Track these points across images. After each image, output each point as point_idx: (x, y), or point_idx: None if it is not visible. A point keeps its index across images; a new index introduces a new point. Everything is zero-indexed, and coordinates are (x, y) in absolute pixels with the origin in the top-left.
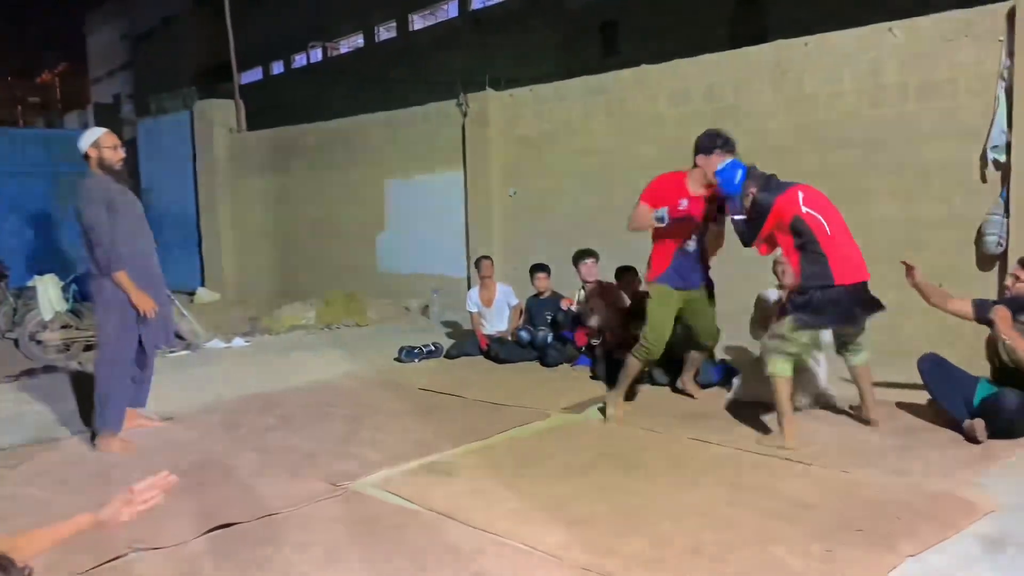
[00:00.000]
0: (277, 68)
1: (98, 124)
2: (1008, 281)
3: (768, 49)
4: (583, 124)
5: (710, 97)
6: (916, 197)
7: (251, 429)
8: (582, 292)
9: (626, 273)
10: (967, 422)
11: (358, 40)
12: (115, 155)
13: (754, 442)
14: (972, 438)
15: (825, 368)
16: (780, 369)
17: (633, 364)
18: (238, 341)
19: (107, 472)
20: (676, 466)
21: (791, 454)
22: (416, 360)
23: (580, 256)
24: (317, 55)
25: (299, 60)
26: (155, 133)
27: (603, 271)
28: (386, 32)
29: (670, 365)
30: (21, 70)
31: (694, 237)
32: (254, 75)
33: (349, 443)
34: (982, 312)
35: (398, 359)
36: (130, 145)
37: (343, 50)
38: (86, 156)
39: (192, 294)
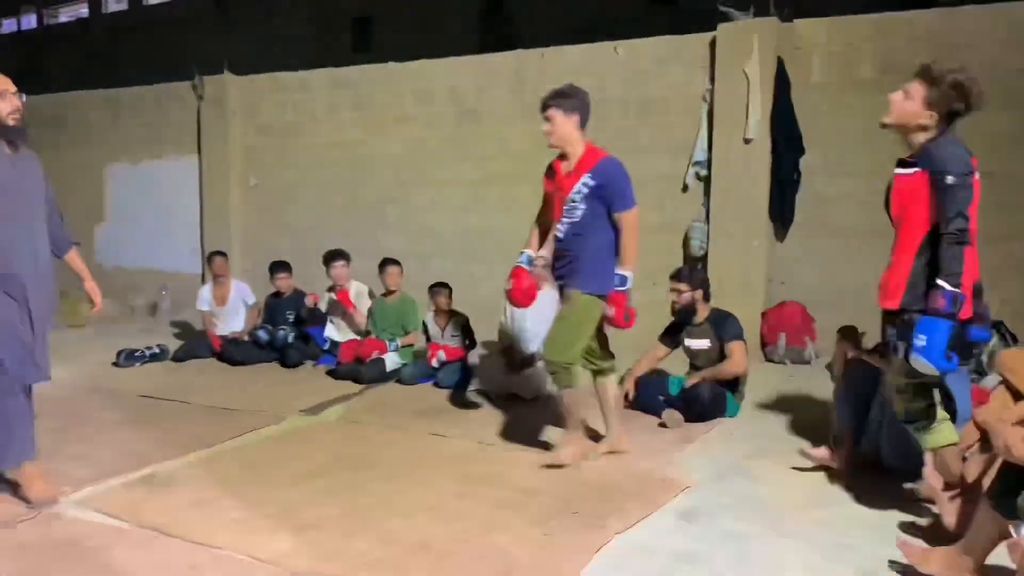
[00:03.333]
0: None
1: None
2: (673, 296)
3: (508, 57)
4: (329, 117)
5: (454, 99)
6: (644, 208)
7: None
8: (332, 295)
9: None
10: (664, 412)
11: (82, 9)
12: (7, 105)
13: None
14: (666, 427)
15: None
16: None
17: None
18: None
19: None
20: (412, 463)
21: (518, 445)
22: (138, 364)
23: (331, 257)
24: (30, 21)
25: (7, 24)
26: None
27: (356, 273)
28: (115, 3)
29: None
30: None
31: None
32: None
33: (51, 459)
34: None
35: (116, 363)
36: None
37: (63, 19)
38: None
39: None
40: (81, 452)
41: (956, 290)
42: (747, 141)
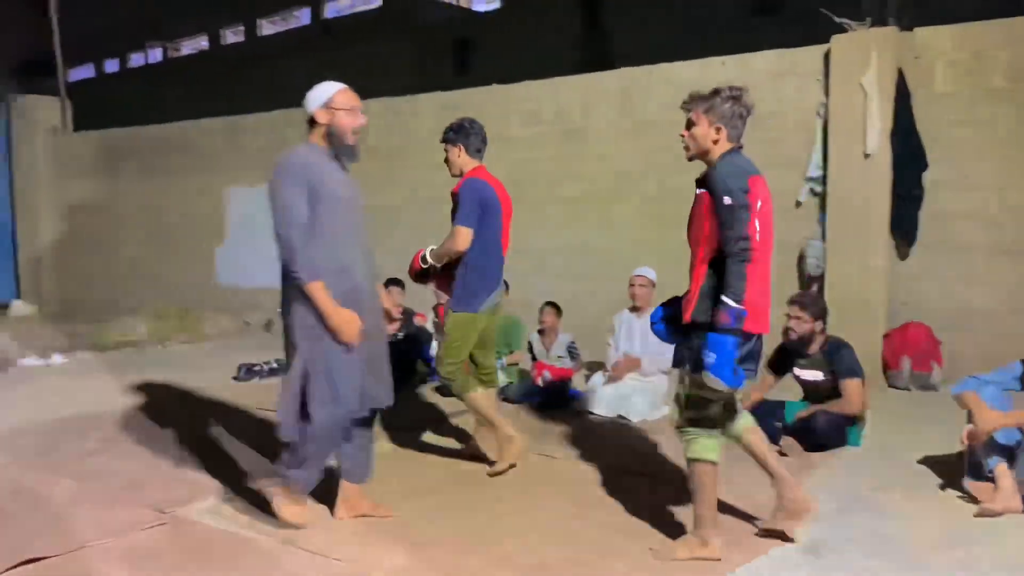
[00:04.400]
0: (111, 66)
1: None
2: (791, 323)
3: (614, 75)
4: (434, 140)
5: (559, 118)
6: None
7: (68, 453)
8: (435, 313)
9: None
10: (783, 440)
11: (202, 42)
12: (353, 121)
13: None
14: (786, 456)
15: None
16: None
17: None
18: (57, 358)
19: None
20: (523, 483)
21: (631, 468)
22: (257, 379)
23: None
24: (156, 55)
25: (136, 59)
26: None
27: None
28: (233, 36)
29: None
30: None
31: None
32: (85, 72)
33: (180, 467)
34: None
35: (236, 377)
36: None
37: (185, 51)
38: (311, 121)
39: (5, 307)
40: (206, 462)
41: (739, 306)
42: (866, 156)
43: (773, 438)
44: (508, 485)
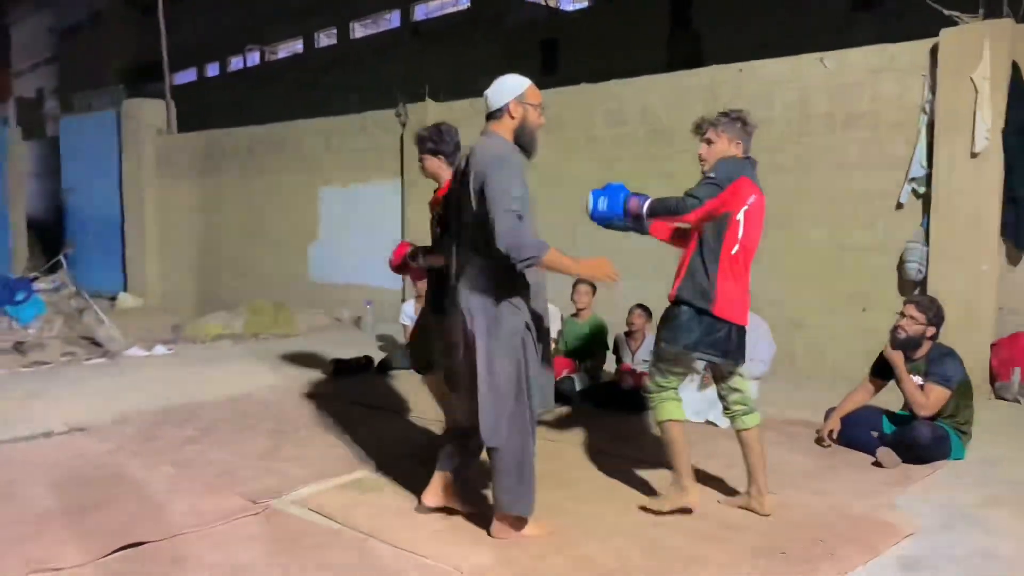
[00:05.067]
0: (212, 70)
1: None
2: (903, 322)
3: (702, 73)
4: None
5: (645, 119)
6: (843, 223)
7: (168, 442)
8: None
9: None
10: (879, 451)
11: (297, 45)
12: (539, 120)
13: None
14: (882, 467)
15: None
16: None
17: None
18: (159, 349)
19: (9, 488)
20: (606, 486)
21: (718, 475)
22: (347, 374)
23: None
24: (254, 58)
25: (235, 63)
26: (79, 131)
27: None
28: (326, 39)
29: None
30: None
31: None
32: (188, 76)
33: (272, 458)
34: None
35: (329, 371)
36: (51, 142)
37: (281, 55)
38: (499, 113)
39: (113, 299)
40: (297, 454)
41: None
42: (974, 155)
43: (869, 448)
44: (591, 488)
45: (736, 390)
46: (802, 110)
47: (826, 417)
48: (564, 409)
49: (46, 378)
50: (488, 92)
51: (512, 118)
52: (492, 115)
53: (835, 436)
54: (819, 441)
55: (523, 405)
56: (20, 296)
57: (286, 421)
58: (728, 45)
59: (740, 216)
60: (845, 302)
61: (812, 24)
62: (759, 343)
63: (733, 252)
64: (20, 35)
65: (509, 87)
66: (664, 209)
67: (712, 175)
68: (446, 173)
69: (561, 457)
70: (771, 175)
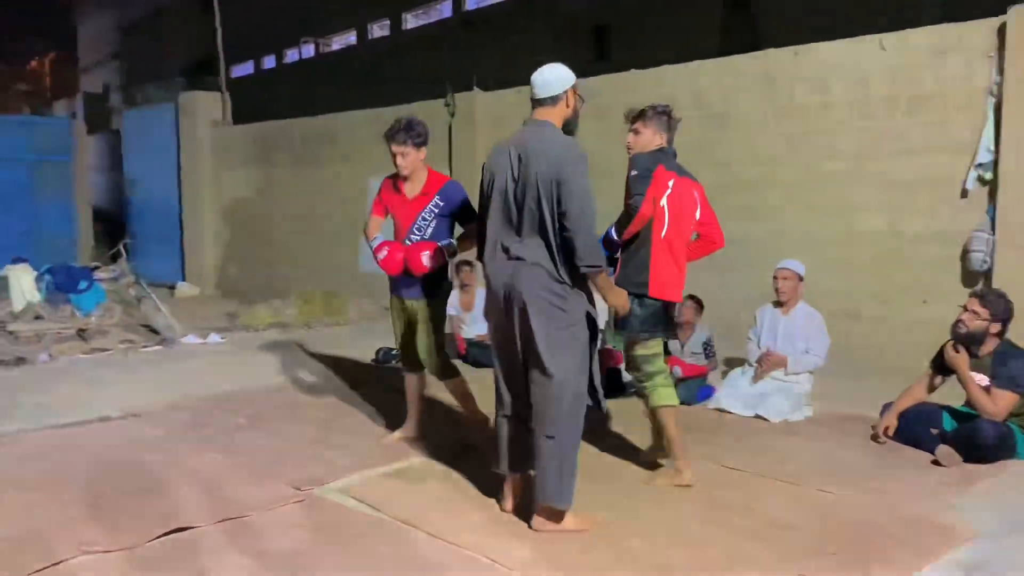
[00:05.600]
0: (269, 62)
1: (87, 114)
2: (965, 316)
3: (757, 58)
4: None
5: (698, 104)
6: (902, 211)
7: (219, 428)
8: None
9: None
10: (939, 449)
11: (350, 37)
12: (577, 113)
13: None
14: (941, 466)
15: None
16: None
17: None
18: (214, 337)
19: (66, 471)
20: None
21: (767, 471)
22: (394, 361)
23: None
24: (309, 51)
25: (291, 55)
26: (140, 124)
27: None
28: (379, 30)
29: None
30: (11, 57)
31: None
32: (245, 69)
33: (318, 446)
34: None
35: (375, 360)
36: (115, 135)
37: (335, 47)
38: (554, 100)
39: (172, 287)
40: (344, 442)
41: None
42: None
43: (928, 446)
44: (637, 483)
45: (645, 359)
46: (861, 94)
47: (882, 412)
48: (618, 401)
49: (105, 364)
50: (540, 79)
51: (567, 106)
52: (544, 101)
53: (892, 433)
54: (875, 438)
55: (582, 397)
56: (82, 285)
57: (333, 409)
58: (786, 28)
59: (664, 202)
60: (904, 293)
61: (874, 5)
62: (815, 336)
63: (663, 236)
64: (87, 32)
65: (566, 75)
66: (626, 221)
67: (635, 171)
68: (423, 167)
69: (604, 450)
70: (826, 161)
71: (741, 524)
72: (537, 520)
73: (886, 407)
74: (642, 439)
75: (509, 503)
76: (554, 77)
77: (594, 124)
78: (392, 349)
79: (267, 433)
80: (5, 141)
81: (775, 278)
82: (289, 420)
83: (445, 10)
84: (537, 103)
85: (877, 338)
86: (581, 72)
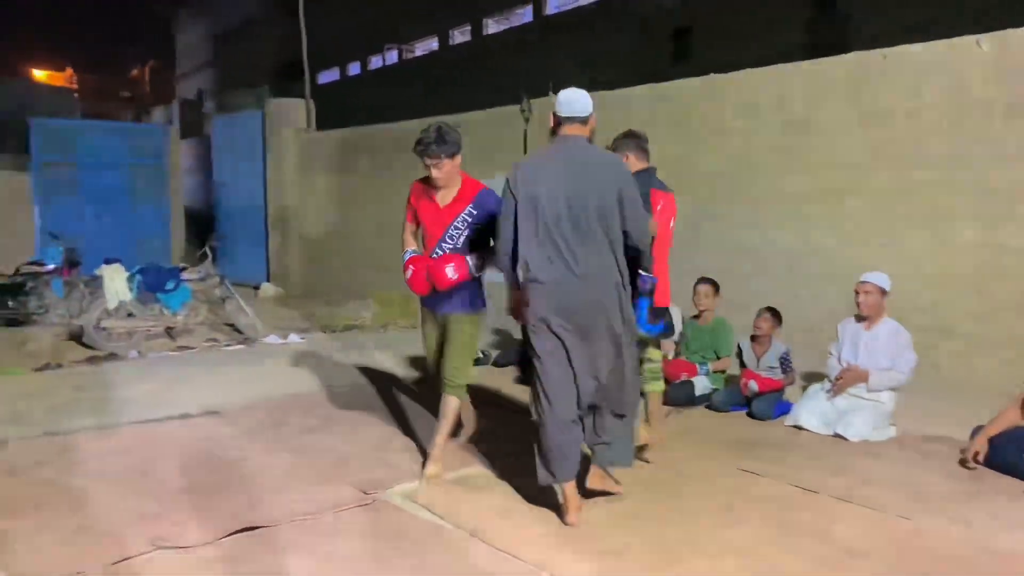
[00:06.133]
0: (354, 69)
1: (182, 120)
2: None
3: (843, 61)
4: (647, 132)
5: (780, 109)
6: (1001, 221)
7: (292, 428)
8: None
9: None
10: None
11: (432, 43)
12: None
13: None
14: None
15: None
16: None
17: (449, 402)
18: (294, 337)
19: (146, 467)
20: (721, 499)
21: (843, 494)
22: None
23: None
24: (393, 57)
25: (375, 62)
26: (229, 129)
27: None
28: (460, 36)
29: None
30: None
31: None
32: (331, 75)
33: (385, 449)
34: None
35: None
36: (207, 140)
37: (417, 52)
38: (586, 120)
39: (257, 288)
40: (410, 446)
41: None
42: None
43: (1022, 473)
44: (706, 500)
45: (649, 360)
46: (955, 98)
47: (973, 435)
48: (676, 414)
49: (189, 362)
50: (577, 97)
51: (592, 128)
52: (576, 120)
53: (982, 458)
54: (963, 463)
55: (638, 382)
56: (170, 284)
57: (403, 412)
58: (879, 29)
59: (657, 219)
60: (1001, 308)
61: (974, 3)
62: (900, 353)
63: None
64: (184, 40)
65: (589, 100)
66: (648, 238)
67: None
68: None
69: (672, 465)
70: (915, 170)
71: (813, 550)
72: (594, 478)
73: (977, 430)
74: (712, 454)
75: (574, 516)
76: (587, 98)
77: (672, 130)
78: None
79: (337, 434)
80: (104, 147)
81: (856, 291)
82: (359, 422)
83: (526, 15)
84: (569, 120)
85: (969, 356)
86: (660, 75)
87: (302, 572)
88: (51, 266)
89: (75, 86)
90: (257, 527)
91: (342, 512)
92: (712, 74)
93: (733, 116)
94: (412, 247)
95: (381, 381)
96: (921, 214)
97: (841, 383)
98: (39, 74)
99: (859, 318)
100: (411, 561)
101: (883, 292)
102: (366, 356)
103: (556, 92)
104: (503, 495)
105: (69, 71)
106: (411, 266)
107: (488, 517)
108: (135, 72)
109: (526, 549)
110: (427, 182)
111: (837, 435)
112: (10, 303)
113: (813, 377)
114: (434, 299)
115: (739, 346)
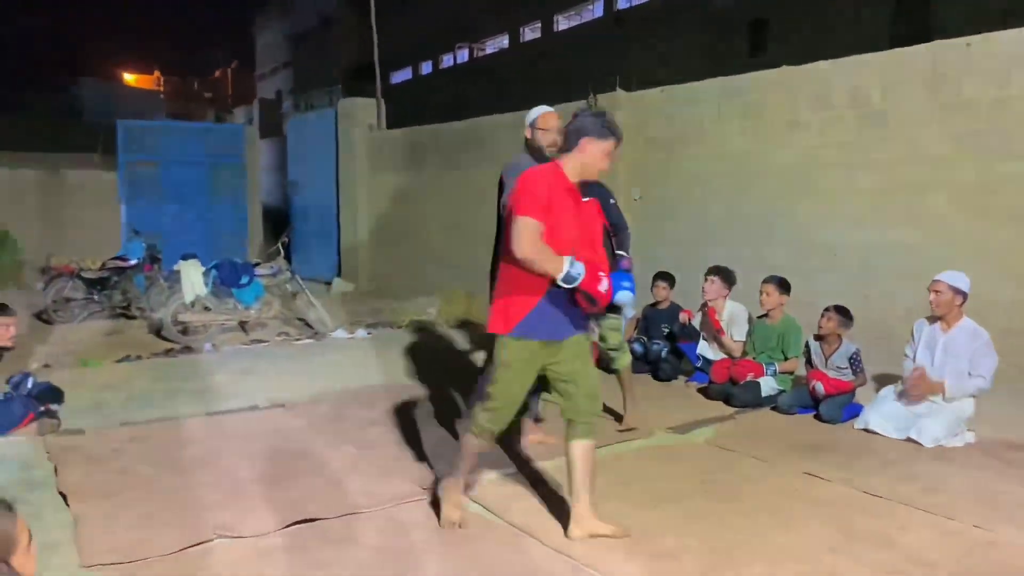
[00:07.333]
0: (426, 68)
1: (261, 119)
2: None
3: (923, 50)
4: (716, 127)
5: (855, 101)
6: None
7: (354, 422)
8: (704, 312)
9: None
10: None
11: (503, 40)
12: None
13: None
14: None
15: None
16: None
17: (470, 443)
18: (361, 332)
19: (213, 457)
20: (781, 502)
21: (913, 501)
22: None
23: (706, 272)
24: (464, 55)
25: (446, 60)
26: (303, 128)
27: (740, 290)
28: (531, 32)
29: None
30: (198, 68)
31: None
32: (404, 75)
33: (444, 445)
34: None
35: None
36: (284, 139)
37: (488, 50)
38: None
39: (328, 284)
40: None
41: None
42: None
43: None
44: (766, 502)
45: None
46: None
47: None
48: (745, 414)
49: (260, 355)
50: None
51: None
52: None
53: None
54: None
55: None
56: (243, 279)
57: (462, 411)
58: (967, 16)
59: None
60: None
61: None
62: (979, 356)
63: None
64: (263, 42)
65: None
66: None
67: (612, 200)
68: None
69: (732, 468)
70: (1001, 162)
71: (877, 558)
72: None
73: None
74: (775, 457)
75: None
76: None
77: (743, 123)
78: None
79: (398, 428)
80: (186, 146)
81: (930, 291)
82: (420, 417)
83: (597, 10)
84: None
85: None
86: (733, 68)
87: (358, 564)
88: (134, 261)
89: (161, 88)
90: (316, 519)
91: (399, 506)
92: (784, 66)
93: (806, 109)
94: (568, 255)
95: (442, 377)
96: (1008, 209)
97: (914, 396)
98: (129, 77)
99: (934, 318)
100: (463, 556)
101: (957, 291)
102: (429, 352)
103: (623, 87)
104: (557, 493)
105: (156, 73)
106: (604, 277)
107: (541, 515)
108: (217, 73)
109: (578, 549)
110: (555, 170)
111: (910, 439)
112: (96, 297)
113: (886, 379)
114: (556, 323)
115: (807, 345)
